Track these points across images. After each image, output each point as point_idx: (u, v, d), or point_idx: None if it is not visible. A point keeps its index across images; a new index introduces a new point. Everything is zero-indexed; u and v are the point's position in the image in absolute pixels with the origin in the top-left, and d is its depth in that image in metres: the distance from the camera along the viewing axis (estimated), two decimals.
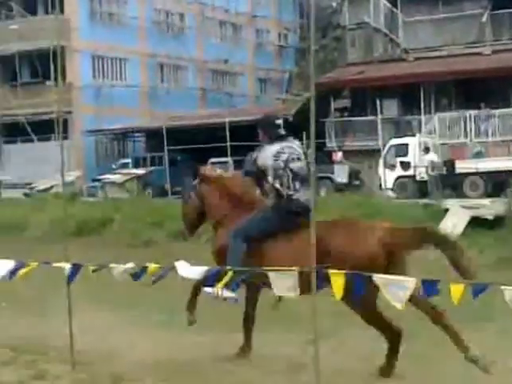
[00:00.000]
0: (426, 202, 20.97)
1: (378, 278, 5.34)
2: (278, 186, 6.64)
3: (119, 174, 32.13)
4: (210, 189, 7.15)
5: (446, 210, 18.40)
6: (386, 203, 20.92)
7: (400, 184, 25.61)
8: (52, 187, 29.43)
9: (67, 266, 6.77)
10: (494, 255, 14.87)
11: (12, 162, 37.68)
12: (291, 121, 29.93)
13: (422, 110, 30.20)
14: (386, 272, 5.69)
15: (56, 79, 24.95)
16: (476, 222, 17.50)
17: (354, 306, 6.30)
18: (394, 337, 6.43)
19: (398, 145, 26.52)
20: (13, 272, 6.68)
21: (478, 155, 25.90)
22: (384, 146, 27.19)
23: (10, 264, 6.74)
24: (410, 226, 6.89)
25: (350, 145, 30.87)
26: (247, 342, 7.24)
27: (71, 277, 6.81)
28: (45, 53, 32.64)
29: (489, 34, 33.64)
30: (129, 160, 34.88)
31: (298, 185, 6.65)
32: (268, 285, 5.87)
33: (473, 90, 29.91)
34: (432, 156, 25.50)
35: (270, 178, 6.67)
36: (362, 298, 5.69)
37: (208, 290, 6.48)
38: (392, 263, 6.13)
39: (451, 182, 24.35)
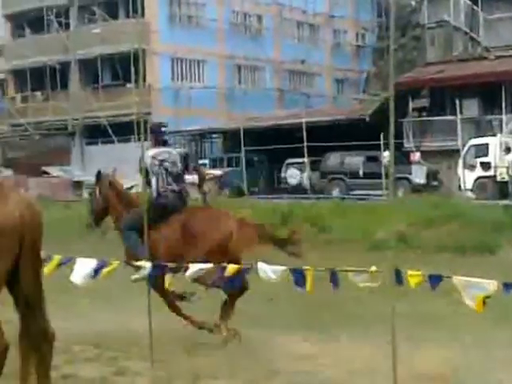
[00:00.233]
0: (507, 203, 20.57)
1: (458, 279, 5.29)
2: (154, 181, 8.08)
3: None
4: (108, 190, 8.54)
5: None
6: (464, 204, 20.62)
7: (480, 185, 25.22)
8: (132, 187, 29.75)
9: (147, 265, 6.92)
10: None
11: (93, 163, 38.52)
12: (368, 121, 29.74)
13: (504, 110, 29.59)
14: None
15: (136, 81, 25.43)
16: None
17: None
18: None
19: (478, 145, 26.12)
20: (96, 271, 6.86)
21: None
22: (463, 146, 26.86)
23: (92, 263, 6.92)
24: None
25: (429, 145, 30.50)
26: None
27: (151, 276, 6.97)
28: (126, 56, 33.55)
29: None
30: (206, 161, 35.20)
31: (171, 181, 8.13)
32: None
33: None
34: None
35: (150, 175, 8.08)
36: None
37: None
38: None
39: None
